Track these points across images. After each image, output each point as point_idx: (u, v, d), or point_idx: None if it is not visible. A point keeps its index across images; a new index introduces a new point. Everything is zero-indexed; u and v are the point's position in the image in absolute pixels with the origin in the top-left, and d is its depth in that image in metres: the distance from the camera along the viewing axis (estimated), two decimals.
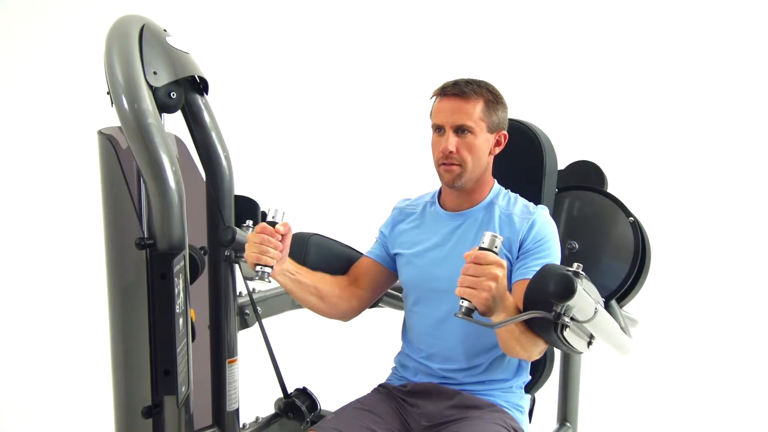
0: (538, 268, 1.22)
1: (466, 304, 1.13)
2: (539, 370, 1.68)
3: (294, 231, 1.44)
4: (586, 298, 1.12)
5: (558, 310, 1.10)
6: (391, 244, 1.62)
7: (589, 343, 1.28)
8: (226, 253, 1.56)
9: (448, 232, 1.51)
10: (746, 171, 3.98)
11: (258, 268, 1.33)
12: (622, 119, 4.08)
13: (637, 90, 4.05)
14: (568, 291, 1.05)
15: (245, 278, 1.59)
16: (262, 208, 1.61)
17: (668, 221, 3.68)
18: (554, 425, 1.89)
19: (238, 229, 1.49)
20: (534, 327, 1.23)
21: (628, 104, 4.07)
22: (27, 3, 3.96)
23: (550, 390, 1.79)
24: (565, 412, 1.89)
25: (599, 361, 2.79)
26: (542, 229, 1.44)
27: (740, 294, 3.82)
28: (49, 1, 4.00)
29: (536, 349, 1.28)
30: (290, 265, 1.45)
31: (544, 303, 1.12)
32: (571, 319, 1.12)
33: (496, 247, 1.13)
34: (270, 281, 1.37)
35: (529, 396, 1.60)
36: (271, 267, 1.34)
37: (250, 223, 1.54)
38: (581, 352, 1.30)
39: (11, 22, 3.95)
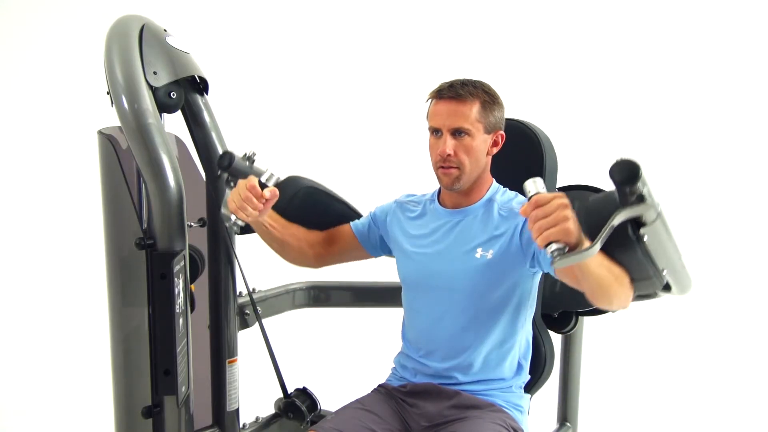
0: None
1: (554, 246, 1.06)
2: (539, 370, 1.68)
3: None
4: (650, 187, 1.10)
5: (632, 199, 1.08)
6: (388, 234, 1.64)
7: (663, 269, 1.23)
8: (220, 172, 1.52)
9: (447, 229, 1.52)
10: (746, 171, 3.98)
11: (233, 217, 1.37)
12: (621, 119, 4.08)
13: (637, 90, 4.05)
14: (635, 168, 1.04)
15: (222, 214, 1.51)
16: (257, 156, 1.53)
17: (667, 220, 3.67)
18: (554, 425, 1.89)
19: (237, 156, 1.47)
20: (616, 251, 1.18)
21: (628, 104, 4.07)
22: (27, 3, 3.96)
23: (550, 390, 1.79)
24: (565, 412, 1.89)
25: (599, 361, 2.79)
26: None
27: (740, 294, 3.83)
28: (49, 1, 4.00)
29: (626, 282, 1.22)
30: (268, 218, 1.50)
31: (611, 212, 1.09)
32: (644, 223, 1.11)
33: (543, 188, 1.10)
34: (238, 232, 1.45)
35: (528, 396, 1.60)
36: (245, 224, 1.39)
37: (253, 153, 1.51)
38: (659, 282, 1.24)
39: (11, 22, 3.95)
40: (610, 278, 1.19)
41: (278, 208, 1.56)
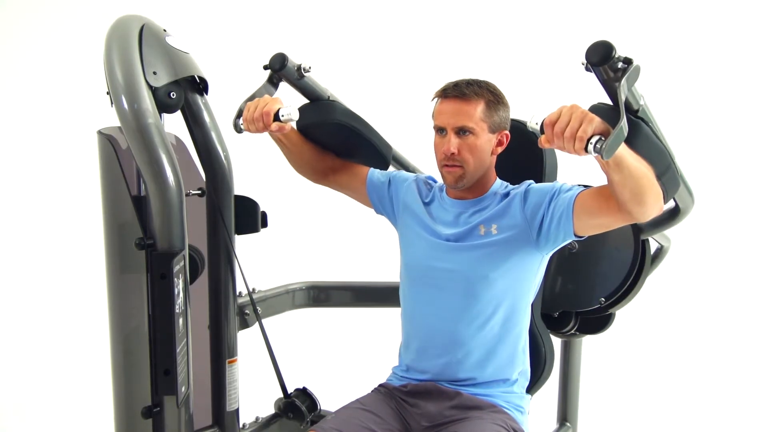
0: (569, 194, 1.34)
1: (594, 139, 1.05)
2: (539, 371, 1.68)
3: (295, 238, 1.44)
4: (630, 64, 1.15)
5: (617, 68, 1.13)
6: (395, 200, 1.66)
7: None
8: (269, 72, 1.55)
9: (452, 218, 1.53)
10: (746, 171, 3.98)
11: (240, 121, 1.43)
12: None
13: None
14: (607, 44, 1.09)
15: (238, 109, 1.50)
16: (292, 103, 1.50)
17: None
18: (554, 425, 1.89)
19: (291, 61, 1.49)
20: (632, 144, 1.19)
21: None
22: (27, 3, 3.96)
23: (549, 390, 1.79)
24: (565, 412, 1.89)
25: (598, 361, 2.79)
26: (540, 188, 1.48)
27: (740, 294, 3.82)
28: (49, 1, 3.99)
29: (654, 178, 1.22)
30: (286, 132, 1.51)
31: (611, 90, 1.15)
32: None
33: (542, 116, 1.11)
34: (239, 133, 1.46)
35: (529, 396, 1.60)
36: (245, 130, 1.44)
37: (309, 67, 1.52)
38: (677, 171, 1.32)
39: (11, 22, 3.94)
40: (644, 168, 1.18)
41: (299, 126, 1.58)
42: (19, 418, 2.81)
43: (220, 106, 1.61)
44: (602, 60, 1.10)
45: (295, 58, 1.50)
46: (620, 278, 1.70)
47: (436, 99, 1.49)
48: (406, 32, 4.25)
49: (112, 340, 1.36)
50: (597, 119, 1.06)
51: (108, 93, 1.31)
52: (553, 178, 1.71)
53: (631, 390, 3.16)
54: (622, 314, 1.85)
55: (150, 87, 1.32)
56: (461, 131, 1.43)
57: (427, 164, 1.98)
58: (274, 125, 1.38)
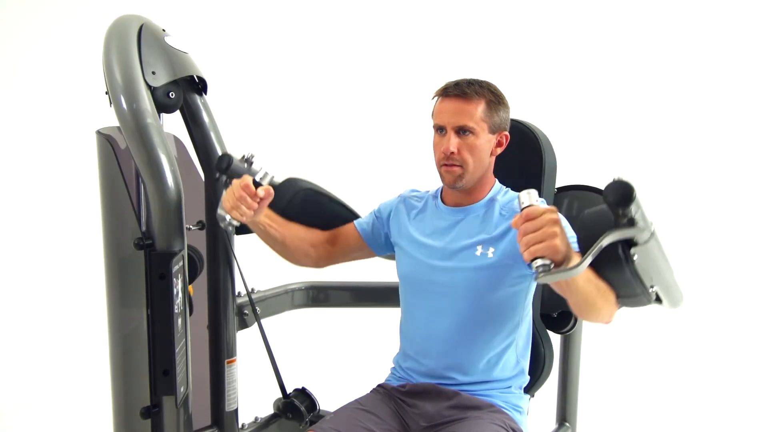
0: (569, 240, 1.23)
1: (539, 262, 1.05)
2: (538, 371, 1.68)
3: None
4: (643, 211, 1.09)
5: (623, 221, 1.06)
6: (390, 230, 1.63)
7: (652, 287, 1.22)
8: (218, 175, 1.54)
9: (447, 226, 1.52)
10: (745, 171, 3.98)
11: (228, 217, 1.37)
12: (620, 119, 4.08)
13: (636, 89, 4.05)
14: (628, 191, 1.02)
15: (218, 215, 1.48)
16: (257, 157, 1.54)
17: (667, 221, 3.67)
18: (553, 425, 1.89)
19: (235, 158, 1.48)
20: (605, 268, 1.18)
21: (626, 104, 4.07)
22: (25, 3, 3.95)
23: (549, 390, 1.79)
24: (564, 412, 1.89)
25: (598, 361, 2.79)
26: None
27: (740, 294, 3.83)
28: (48, 1, 3.99)
29: (612, 300, 1.22)
30: (265, 217, 1.50)
31: (604, 230, 1.09)
32: (635, 243, 1.09)
33: (537, 200, 1.09)
34: (233, 232, 1.44)
35: (528, 396, 1.60)
36: (239, 223, 1.38)
37: (251, 155, 1.50)
38: (646, 298, 1.23)
39: (10, 22, 3.94)
40: (596, 294, 1.19)
41: (277, 209, 1.56)
42: (19, 418, 2.81)
43: (218, 106, 1.61)
44: (617, 203, 1.06)
45: (236, 153, 1.50)
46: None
47: (436, 98, 1.48)
48: (405, 32, 4.25)
49: (111, 340, 1.36)
50: (560, 247, 1.05)
51: (107, 93, 1.31)
52: (553, 178, 1.70)
53: (631, 390, 3.16)
54: (621, 314, 1.84)
55: (149, 87, 1.32)
56: (461, 131, 1.43)
57: (426, 164, 1.98)
58: (260, 190, 1.34)
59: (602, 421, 2.78)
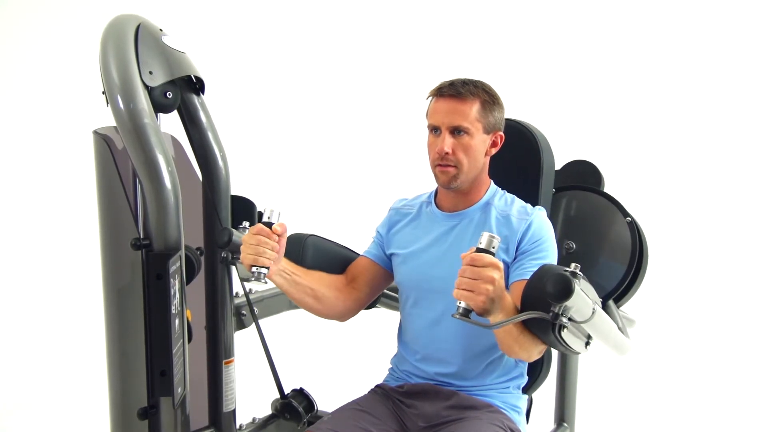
0: (535, 269, 1.22)
1: (463, 305, 1.12)
2: (536, 371, 1.68)
3: (291, 232, 1.43)
4: (584, 298, 1.12)
5: (556, 311, 1.10)
6: (387, 244, 1.62)
7: (587, 344, 1.28)
8: (223, 254, 1.55)
9: (444, 232, 1.51)
10: (744, 170, 3.99)
11: (254, 269, 1.32)
12: (619, 118, 4.08)
13: (634, 89, 4.06)
14: (566, 291, 1.05)
15: (242, 280, 1.58)
16: (259, 208, 1.61)
17: (665, 221, 3.68)
18: (551, 426, 1.89)
19: (234, 230, 1.49)
20: (532, 328, 1.23)
21: (625, 103, 4.07)
22: (22, 3, 3.95)
23: (547, 390, 1.79)
24: (563, 413, 1.89)
25: (597, 361, 2.79)
26: (539, 230, 1.44)
27: (738, 293, 3.83)
28: (45, 1, 3.98)
29: (536, 349, 1.28)
30: (287, 264, 1.44)
31: (542, 303, 1.12)
32: (569, 320, 1.12)
33: (493, 248, 1.13)
34: (266, 282, 1.36)
35: (526, 396, 1.60)
36: (268, 268, 1.32)
37: (246, 224, 1.53)
38: (579, 353, 1.30)
39: (6, 21, 3.93)
40: (512, 343, 1.25)
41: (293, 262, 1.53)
42: (16, 418, 2.80)
43: (216, 106, 1.61)
44: (552, 295, 1.07)
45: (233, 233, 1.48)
46: (620, 275, 1.70)
47: (430, 97, 1.48)
48: (401, 31, 4.25)
49: (108, 340, 1.36)
50: (483, 304, 1.11)
51: (103, 93, 1.31)
52: (551, 178, 1.70)
53: (629, 390, 3.16)
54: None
55: (146, 87, 1.31)
56: (456, 131, 1.42)
57: (421, 164, 1.97)
58: (276, 227, 1.32)
59: (600, 421, 2.79)
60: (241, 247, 1.34)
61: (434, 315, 1.49)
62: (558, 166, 1.81)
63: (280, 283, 1.44)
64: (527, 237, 1.43)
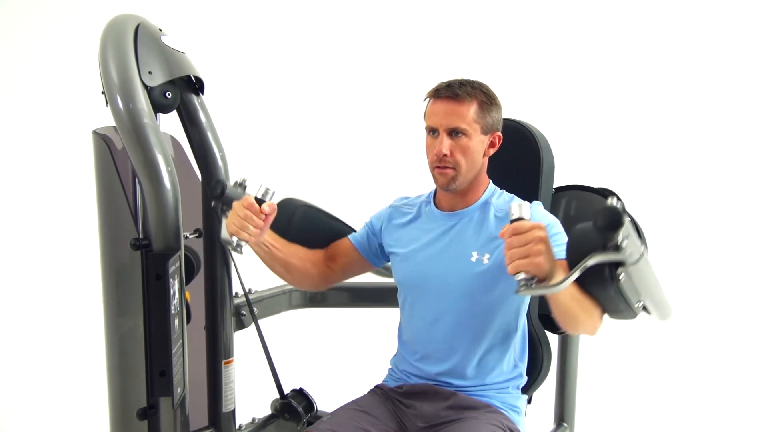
0: (559, 248, 1.24)
1: (522, 276, 1.08)
2: (536, 371, 1.68)
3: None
4: (633, 233, 1.09)
5: (613, 244, 1.06)
6: (379, 237, 1.63)
7: (639, 303, 1.23)
8: (213, 203, 1.53)
9: (442, 232, 1.51)
10: (743, 170, 3.99)
11: (235, 239, 1.35)
12: (618, 118, 4.08)
13: (634, 89, 4.06)
14: (617, 217, 1.02)
15: (222, 241, 1.54)
16: (258, 183, 1.57)
17: (665, 221, 3.68)
18: (551, 426, 1.89)
19: (228, 184, 1.49)
20: (591, 285, 1.19)
21: (624, 103, 4.07)
22: (21, 3, 3.94)
23: (546, 390, 1.79)
24: (562, 413, 1.89)
25: (596, 361, 2.79)
26: (542, 218, 1.44)
27: (738, 293, 3.83)
28: (44, 0, 3.98)
29: (596, 314, 1.23)
30: (268, 237, 1.47)
31: (595, 249, 1.09)
32: (622, 264, 1.10)
33: (528, 214, 1.11)
34: (242, 253, 1.39)
35: (525, 397, 1.60)
36: (246, 242, 1.35)
37: (245, 181, 1.51)
38: (634, 315, 1.25)
39: (7, 22, 3.93)
40: (578, 310, 1.21)
41: (277, 230, 1.54)
42: (15, 418, 2.80)
43: (216, 106, 1.61)
44: (605, 228, 1.05)
45: (230, 180, 1.51)
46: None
47: (428, 99, 1.48)
48: (399, 31, 4.25)
49: (108, 341, 1.36)
50: (543, 264, 1.08)
51: (103, 93, 1.31)
52: (550, 177, 1.70)
53: (629, 390, 3.16)
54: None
55: (145, 87, 1.31)
56: (454, 132, 1.42)
57: (420, 166, 1.97)
58: (265, 206, 1.33)
59: (600, 421, 2.79)
60: (229, 213, 1.37)
61: (433, 314, 1.49)
62: (558, 166, 1.81)
63: (257, 251, 1.48)
64: None
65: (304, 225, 1.66)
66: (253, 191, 1.39)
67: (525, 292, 1.09)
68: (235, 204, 1.35)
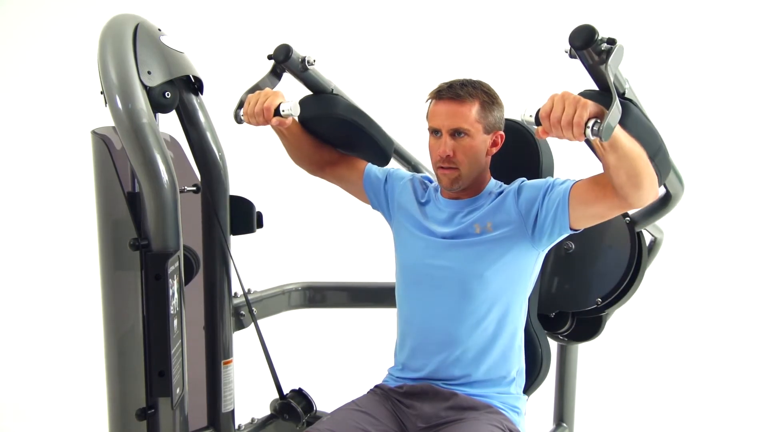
0: (564, 187, 1.34)
1: (591, 123, 1.07)
2: (535, 371, 1.68)
3: (290, 238, 1.43)
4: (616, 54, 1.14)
5: (599, 48, 1.11)
6: (391, 197, 1.64)
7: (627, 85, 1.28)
8: (274, 64, 1.57)
9: (446, 218, 1.52)
10: (743, 170, 3.99)
11: (240, 112, 1.45)
12: None
13: (633, 89, 4.05)
14: (588, 29, 1.09)
15: (235, 110, 1.51)
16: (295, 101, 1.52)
17: (664, 220, 3.68)
18: (551, 426, 1.89)
19: (296, 54, 1.52)
20: (624, 125, 1.19)
21: None
22: (20, 3, 3.94)
23: (546, 390, 1.79)
24: (562, 413, 1.89)
25: (595, 361, 2.79)
26: (531, 182, 1.48)
27: (738, 293, 3.83)
28: (45, 0, 3.98)
29: (647, 159, 1.21)
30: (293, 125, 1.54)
31: (598, 76, 1.16)
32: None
33: (534, 108, 1.14)
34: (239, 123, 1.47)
35: (525, 397, 1.60)
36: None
37: (313, 60, 1.56)
38: (667, 157, 1.32)
39: (7, 22, 3.93)
40: (637, 149, 1.18)
41: (300, 117, 1.55)
42: (15, 418, 2.80)
43: (215, 106, 1.61)
44: (585, 43, 1.10)
45: (299, 50, 1.51)
46: (618, 276, 1.70)
47: (430, 100, 1.48)
48: (400, 31, 4.25)
49: (107, 341, 1.35)
50: (590, 103, 1.07)
51: (102, 93, 1.31)
52: (550, 176, 1.70)
53: (628, 391, 3.16)
54: (618, 315, 1.85)
55: (144, 87, 1.31)
56: (456, 133, 1.43)
57: (421, 163, 1.97)
58: (274, 120, 1.40)
59: (599, 421, 2.78)
60: (254, 94, 1.44)
61: (429, 297, 1.50)
62: (558, 166, 1.81)
63: (287, 123, 1.46)
64: (525, 188, 1.46)
65: (325, 130, 1.64)
66: (289, 100, 1.41)
67: (606, 131, 1.06)
68: (263, 93, 1.42)
